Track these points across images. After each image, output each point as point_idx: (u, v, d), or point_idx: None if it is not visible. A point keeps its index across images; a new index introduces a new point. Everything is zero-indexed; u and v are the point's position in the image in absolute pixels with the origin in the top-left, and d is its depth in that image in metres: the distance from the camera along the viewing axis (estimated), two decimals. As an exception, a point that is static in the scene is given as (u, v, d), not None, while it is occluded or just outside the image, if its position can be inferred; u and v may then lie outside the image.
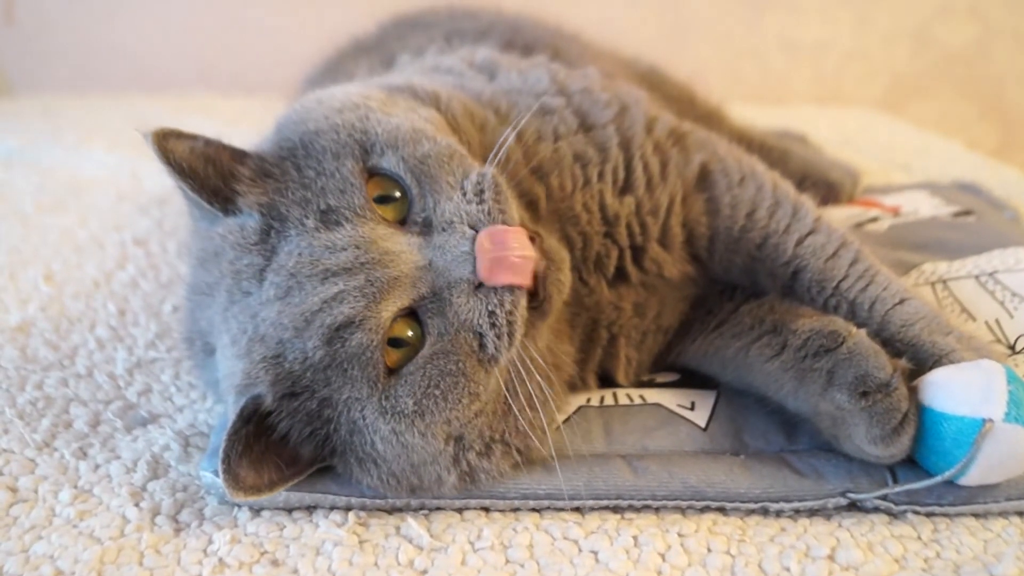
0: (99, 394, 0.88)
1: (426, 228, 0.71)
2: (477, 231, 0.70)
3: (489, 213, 0.71)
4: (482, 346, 0.68)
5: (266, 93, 1.97)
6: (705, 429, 0.80)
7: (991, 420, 0.69)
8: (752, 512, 0.74)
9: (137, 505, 0.72)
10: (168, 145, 0.72)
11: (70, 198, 1.42)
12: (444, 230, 0.70)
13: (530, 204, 0.82)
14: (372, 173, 0.72)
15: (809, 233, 0.88)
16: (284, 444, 0.69)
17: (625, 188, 0.88)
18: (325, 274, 0.67)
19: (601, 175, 0.87)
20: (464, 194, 0.72)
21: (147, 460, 0.78)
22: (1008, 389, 0.71)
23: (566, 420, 0.80)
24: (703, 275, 0.92)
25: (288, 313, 0.67)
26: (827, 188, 1.31)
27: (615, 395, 0.85)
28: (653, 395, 0.85)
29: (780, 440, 0.79)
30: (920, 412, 0.73)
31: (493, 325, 0.68)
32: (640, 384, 0.89)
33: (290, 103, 1.24)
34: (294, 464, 0.69)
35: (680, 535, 0.70)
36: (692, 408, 0.83)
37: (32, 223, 1.33)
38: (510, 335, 0.69)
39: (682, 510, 0.74)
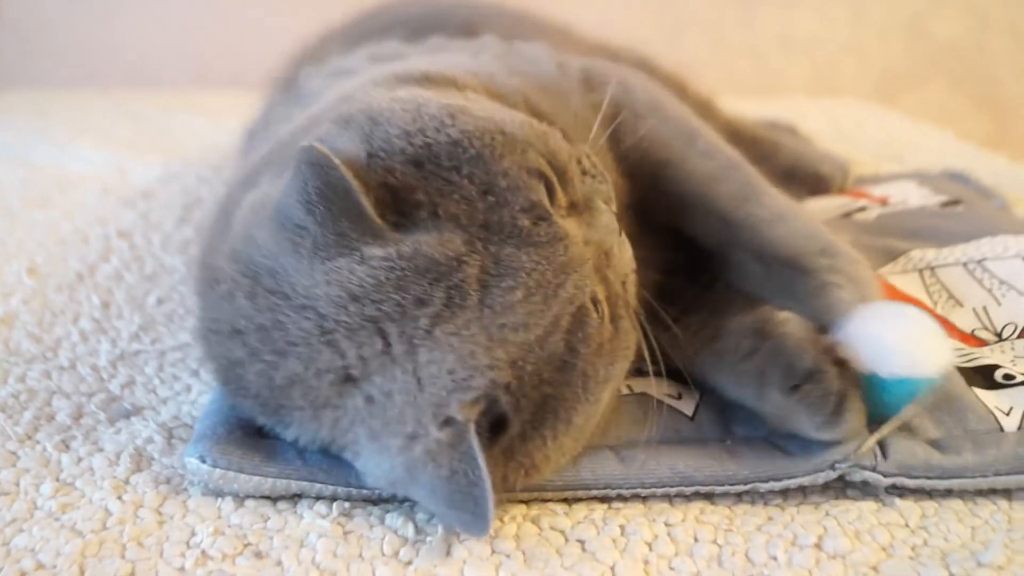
0: (82, 386, 0.88)
1: (572, 210, 0.71)
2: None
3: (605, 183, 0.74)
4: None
5: (252, 87, 1.96)
6: (692, 418, 0.80)
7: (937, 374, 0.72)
8: (742, 496, 0.74)
9: (120, 498, 0.71)
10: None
11: (56, 193, 1.42)
12: (589, 208, 0.72)
13: None
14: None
15: (701, 158, 0.89)
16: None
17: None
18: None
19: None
20: (584, 173, 0.73)
21: (130, 452, 0.77)
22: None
23: None
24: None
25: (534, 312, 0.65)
26: (817, 181, 1.31)
27: None
28: (639, 384, 0.84)
29: (767, 427, 0.79)
30: (862, 381, 0.74)
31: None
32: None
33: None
34: None
35: (667, 524, 0.70)
36: (679, 398, 0.82)
37: (18, 218, 1.32)
38: None
39: (670, 499, 0.73)
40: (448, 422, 0.63)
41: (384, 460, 0.65)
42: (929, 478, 0.73)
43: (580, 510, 0.72)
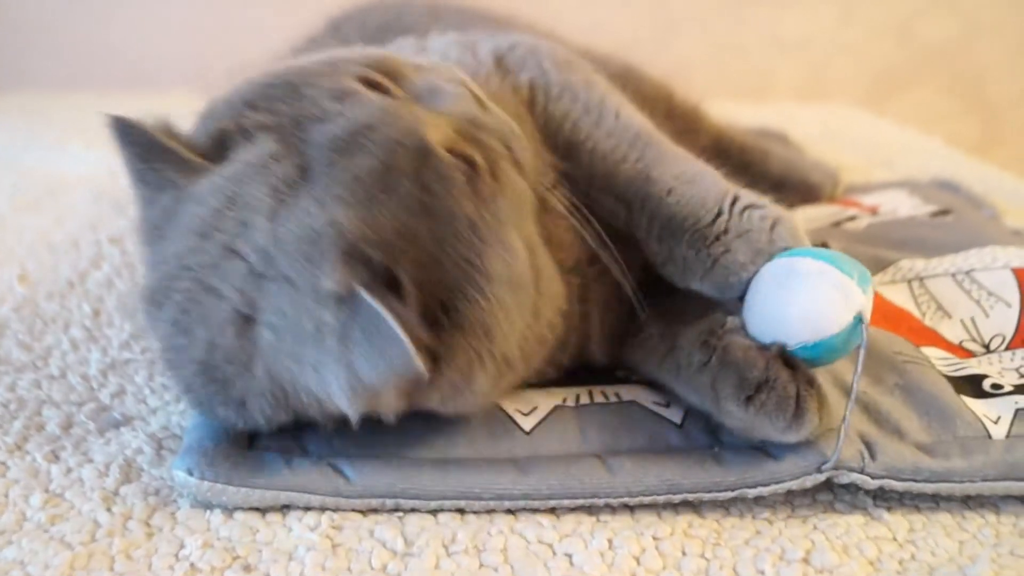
0: (72, 396, 0.87)
1: (417, 101, 0.75)
2: None
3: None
4: None
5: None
6: (680, 426, 0.80)
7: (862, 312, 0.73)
8: (729, 509, 0.74)
9: (109, 509, 0.71)
10: None
11: (47, 197, 1.41)
12: (432, 93, 0.75)
13: None
14: None
15: (603, 137, 0.88)
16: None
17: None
18: None
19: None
20: (420, 69, 0.79)
21: (120, 464, 0.77)
22: (841, 271, 0.74)
23: (540, 421, 0.79)
24: None
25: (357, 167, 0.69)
26: (807, 189, 1.31)
27: (591, 393, 0.84)
28: (629, 392, 0.85)
29: None
30: (806, 363, 0.75)
31: None
32: (616, 381, 0.88)
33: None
34: None
35: (655, 538, 0.70)
36: (667, 405, 0.82)
37: (8, 223, 1.32)
38: None
39: (658, 511, 0.73)
40: (338, 300, 0.63)
41: (322, 373, 0.65)
42: (917, 481, 0.73)
43: (568, 523, 0.72)
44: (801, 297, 0.74)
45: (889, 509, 0.74)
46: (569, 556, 0.68)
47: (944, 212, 1.22)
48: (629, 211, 0.85)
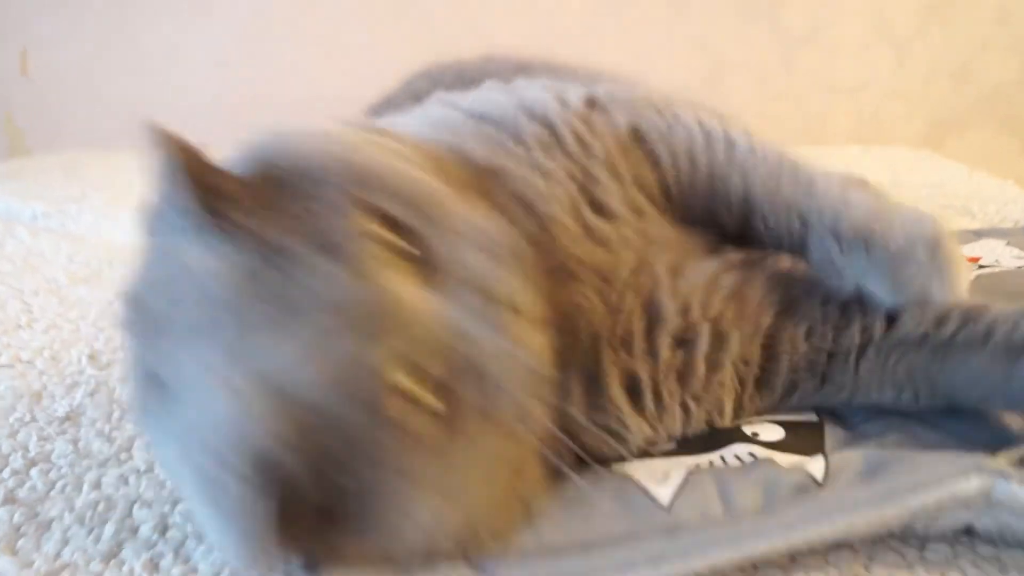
0: (163, 493, 0.81)
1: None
2: None
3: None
4: None
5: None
6: (820, 483, 0.73)
7: None
8: None
9: (225, 627, 0.65)
10: None
11: (104, 267, 1.36)
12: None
13: None
14: None
15: (748, 157, 0.86)
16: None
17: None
18: None
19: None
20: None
21: (228, 573, 0.70)
22: None
23: (678, 490, 0.73)
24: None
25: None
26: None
27: (723, 458, 0.78)
28: (761, 451, 0.79)
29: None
30: None
31: None
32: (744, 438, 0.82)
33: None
34: None
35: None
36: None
37: (67, 297, 1.26)
38: None
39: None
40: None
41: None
42: None
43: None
44: None
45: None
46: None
47: (1051, 262, 1.16)
48: (801, 220, 0.83)
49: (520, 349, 0.63)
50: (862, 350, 0.82)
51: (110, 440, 0.90)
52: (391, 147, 0.72)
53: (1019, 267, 1.16)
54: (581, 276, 0.78)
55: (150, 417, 0.66)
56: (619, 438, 0.78)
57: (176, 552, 0.74)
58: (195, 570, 0.71)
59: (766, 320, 0.84)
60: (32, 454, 0.87)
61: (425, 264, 0.63)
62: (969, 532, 0.74)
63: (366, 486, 0.59)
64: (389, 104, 1.22)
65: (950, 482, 0.67)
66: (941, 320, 0.79)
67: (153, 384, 0.63)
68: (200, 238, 0.60)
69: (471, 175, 0.77)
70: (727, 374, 0.83)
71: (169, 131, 0.61)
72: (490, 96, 0.93)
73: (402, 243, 0.63)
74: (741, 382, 0.84)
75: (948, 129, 2.64)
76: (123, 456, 0.87)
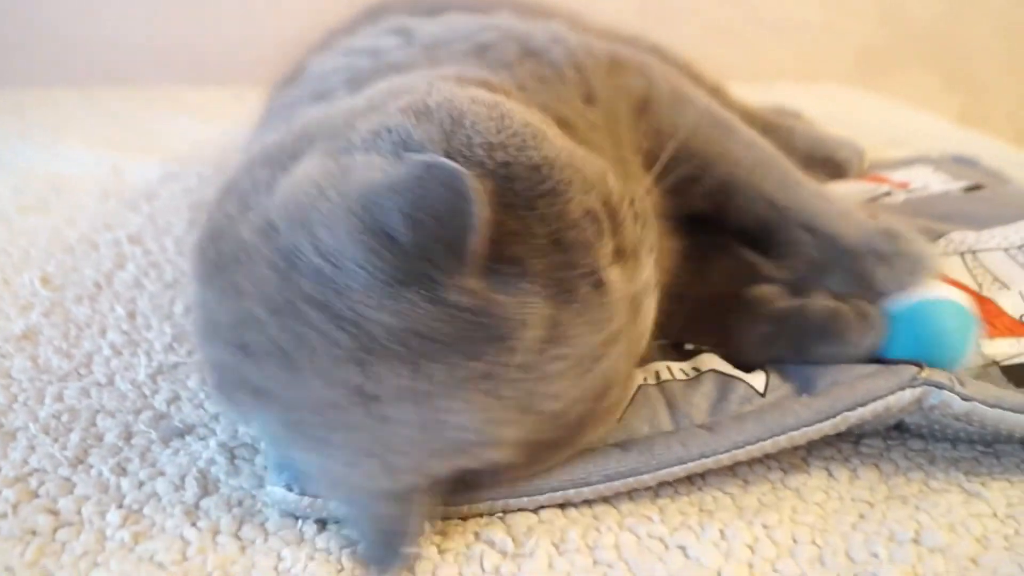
0: (126, 404, 0.83)
1: (618, 256, 0.68)
2: None
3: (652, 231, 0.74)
4: None
5: (237, 84, 1.91)
6: (763, 394, 0.78)
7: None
8: (830, 488, 0.74)
9: (194, 524, 0.68)
10: None
11: (52, 197, 1.35)
12: (635, 258, 0.69)
13: None
14: None
15: (743, 148, 0.93)
16: None
17: (588, 99, 0.87)
18: None
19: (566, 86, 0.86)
20: (636, 217, 0.70)
21: (195, 476, 0.73)
22: None
23: (627, 406, 0.76)
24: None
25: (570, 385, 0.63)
26: (835, 167, 1.31)
27: (669, 369, 0.83)
28: (705, 362, 0.83)
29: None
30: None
31: None
32: (687, 355, 0.87)
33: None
34: None
35: (765, 526, 0.69)
36: (749, 371, 0.81)
37: (16, 225, 1.26)
38: None
39: (760, 496, 0.72)
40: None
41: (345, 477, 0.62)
42: (1004, 408, 0.74)
43: (674, 516, 0.70)
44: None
45: (983, 484, 0.74)
46: (683, 549, 0.66)
47: (977, 187, 1.21)
48: (777, 212, 0.90)
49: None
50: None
51: (68, 356, 0.91)
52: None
53: (946, 191, 1.21)
54: None
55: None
56: None
57: (142, 456, 0.76)
58: (163, 472, 0.74)
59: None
60: (-10, 371, 0.89)
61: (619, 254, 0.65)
62: (900, 427, 0.80)
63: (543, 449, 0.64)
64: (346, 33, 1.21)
65: (887, 396, 0.74)
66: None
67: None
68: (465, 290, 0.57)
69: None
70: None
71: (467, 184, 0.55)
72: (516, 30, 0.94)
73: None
74: None
75: (877, 66, 2.71)
76: (83, 371, 0.89)
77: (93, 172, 1.46)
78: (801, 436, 0.73)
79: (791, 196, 0.91)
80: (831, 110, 1.90)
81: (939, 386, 0.73)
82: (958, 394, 0.73)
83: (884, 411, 0.74)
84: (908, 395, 0.73)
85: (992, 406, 0.73)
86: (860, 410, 0.73)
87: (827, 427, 0.73)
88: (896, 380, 0.74)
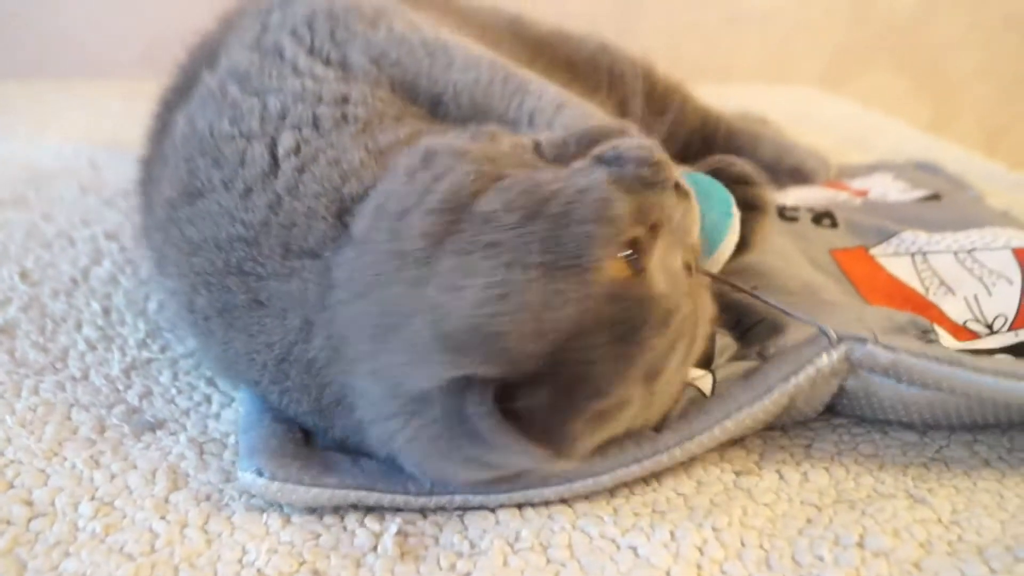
0: (100, 398, 0.85)
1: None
2: None
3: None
4: None
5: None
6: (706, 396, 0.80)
7: None
8: (780, 489, 0.76)
9: (163, 517, 0.70)
10: None
11: (30, 191, 1.36)
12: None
13: None
14: None
15: (452, 68, 0.90)
16: None
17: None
18: None
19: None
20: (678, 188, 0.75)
21: (164, 470, 0.75)
22: None
23: None
24: None
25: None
26: (803, 177, 1.32)
27: None
28: None
29: None
30: None
31: None
32: None
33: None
34: None
35: (715, 528, 0.71)
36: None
37: (-6, 219, 1.27)
38: None
39: (712, 497, 0.75)
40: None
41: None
42: (928, 358, 0.75)
43: (627, 517, 0.72)
44: None
45: (930, 491, 0.76)
46: (634, 549, 0.69)
47: (934, 197, 1.24)
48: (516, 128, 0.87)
49: None
50: None
51: (45, 351, 0.93)
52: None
53: (902, 202, 1.24)
54: None
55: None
56: None
57: (115, 450, 0.78)
58: (135, 466, 0.76)
59: None
60: (-33, 364, 0.90)
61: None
62: (831, 409, 0.84)
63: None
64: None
65: (816, 360, 0.77)
66: None
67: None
68: None
69: None
70: None
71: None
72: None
73: None
74: None
75: (849, 67, 2.74)
76: (59, 365, 0.91)
77: (71, 166, 1.47)
78: (747, 416, 0.76)
79: (519, 111, 0.89)
80: (800, 113, 1.92)
81: (861, 340, 0.76)
82: (882, 345, 0.76)
83: (817, 375, 0.77)
84: (836, 354, 0.76)
85: (917, 356, 0.75)
86: (793, 379, 0.76)
87: (768, 403, 0.76)
88: (821, 344, 0.77)
